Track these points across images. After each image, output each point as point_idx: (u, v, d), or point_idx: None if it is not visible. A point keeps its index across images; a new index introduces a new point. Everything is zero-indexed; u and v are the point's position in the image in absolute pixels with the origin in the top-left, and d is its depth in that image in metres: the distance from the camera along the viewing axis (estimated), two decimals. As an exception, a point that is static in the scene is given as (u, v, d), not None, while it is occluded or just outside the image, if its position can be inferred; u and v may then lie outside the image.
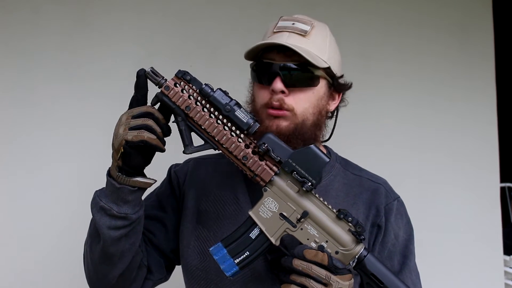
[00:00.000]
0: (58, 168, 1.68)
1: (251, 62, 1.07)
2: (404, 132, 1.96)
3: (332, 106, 1.09)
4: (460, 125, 2.00)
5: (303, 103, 1.01)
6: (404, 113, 1.96)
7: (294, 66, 0.99)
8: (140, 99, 0.94)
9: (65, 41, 1.70)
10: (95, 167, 1.69)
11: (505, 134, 2.52)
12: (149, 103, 0.93)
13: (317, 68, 1.01)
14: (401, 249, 1.08)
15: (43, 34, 1.69)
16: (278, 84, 0.98)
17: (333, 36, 1.10)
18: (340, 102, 1.12)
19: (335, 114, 1.13)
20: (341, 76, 1.09)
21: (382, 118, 1.94)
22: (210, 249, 0.91)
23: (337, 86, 1.08)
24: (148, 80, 0.93)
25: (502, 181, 2.22)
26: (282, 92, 0.99)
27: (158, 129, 0.89)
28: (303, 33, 1.02)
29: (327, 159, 0.89)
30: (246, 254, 0.90)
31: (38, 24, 1.69)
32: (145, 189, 0.95)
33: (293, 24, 1.03)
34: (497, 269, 2.02)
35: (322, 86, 1.04)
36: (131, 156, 0.90)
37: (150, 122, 0.89)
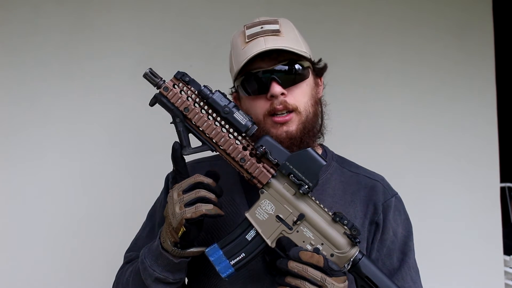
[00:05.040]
0: (58, 166, 1.68)
1: (237, 79, 1.06)
2: (404, 131, 1.95)
3: (320, 92, 1.11)
4: (460, 125, 2.00)
5: (302, 98, 1.02)
6: (404, 112, 1.96)
7: (285, 67, 1.01)
8: (183, 171, 0.94)
9: (65, 40, 1.71)
10: (95, 165, 1.70)
11: (505, 134, 2.51)
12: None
13: (304, 60, 1.03)
14: (400, 246, 1.08)
15: (43, 33, 1.69)
16: (277, 88, 0.99)
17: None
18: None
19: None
20: (319, 61, 1.11)
21: (382, 117, 1.94)
22: (206, 250, 0.91)
23: (318, 71, 1.10)
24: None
25: (502, 181, 2.22)
26: (282, 94, 0.99)
27: (212, 196, 0.89)
28: (277, 33, 1.02)
29: (324, 162, 0.89)
30: (241, 256, 0.90)
31: (38, 23, 1.69)
32: None
33: (262, 28, 1.03)
34: (497, 269, 2.02)
35: (310, 76, 1.06)
36: (190, 232, 0.90)
37: (202, 193, 0.89)
